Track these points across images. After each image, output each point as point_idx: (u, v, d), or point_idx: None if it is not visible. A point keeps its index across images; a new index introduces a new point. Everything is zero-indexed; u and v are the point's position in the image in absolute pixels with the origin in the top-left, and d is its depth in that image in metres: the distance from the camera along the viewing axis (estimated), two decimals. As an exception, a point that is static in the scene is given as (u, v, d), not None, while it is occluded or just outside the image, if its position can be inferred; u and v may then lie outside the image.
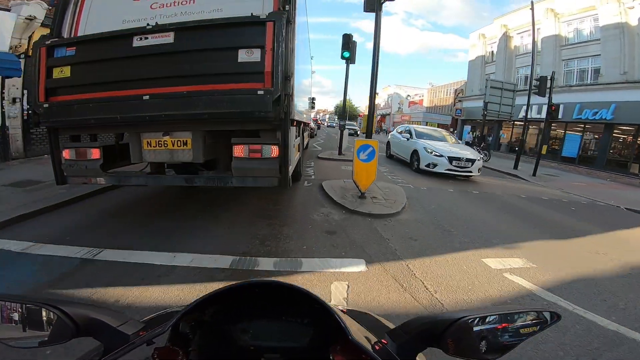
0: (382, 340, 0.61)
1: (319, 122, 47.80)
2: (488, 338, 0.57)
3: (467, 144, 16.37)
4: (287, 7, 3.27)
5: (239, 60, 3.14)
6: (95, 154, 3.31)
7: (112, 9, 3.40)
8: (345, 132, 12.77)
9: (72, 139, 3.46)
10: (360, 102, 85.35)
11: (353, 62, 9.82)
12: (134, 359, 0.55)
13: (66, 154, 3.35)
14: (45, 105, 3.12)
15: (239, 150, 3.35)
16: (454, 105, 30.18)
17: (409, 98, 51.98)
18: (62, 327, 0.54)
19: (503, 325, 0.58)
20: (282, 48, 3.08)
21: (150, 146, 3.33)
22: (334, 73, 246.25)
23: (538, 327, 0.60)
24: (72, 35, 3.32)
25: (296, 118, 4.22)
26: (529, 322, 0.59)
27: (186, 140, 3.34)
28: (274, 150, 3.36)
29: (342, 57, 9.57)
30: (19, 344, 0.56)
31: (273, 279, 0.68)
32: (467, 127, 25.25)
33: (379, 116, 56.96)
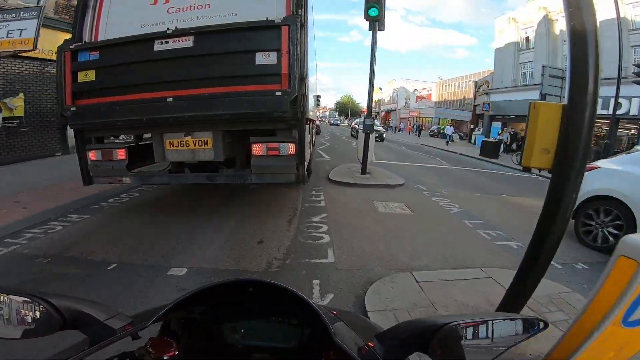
0: (369, 343, 0.62)
1: (319, 119, 45.17)
2: (475, 344, 0.57)
3: (496, 144, 15.07)
4: (299, 10, 3.43)
5: (256, 63, 3.30)
6: (121, 154, 3.44)
7: (130, 13, 3.50)
8: (372, 137, 7.73)
9: (98, 140, 3.58)
10: (362, 98, 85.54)
11: (382, 28, 6.72)
12: (122, 350, 0.56)
13: (92, 155, 3.47)
14: (73, 108, 3.23)
15: (257, 149, 3.52)
16: (475, 98, 26.63)
17: (416, 92, 48.49)
18: (49, 319, 0.53)
19: (490, 331, 0.58)
20: (297, 50, 3.25)
21: (173, 146, 3.47)
22: (333, 70, 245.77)
23: (525, 334, 0.60)
24: (93, 40, 3.42)
25: (310, 116, 4.41)
26: (516, 329, 0.60)
27: (207, 140, 3.50)
28: (291, 148, 3.55)
29: (367, 17, 6.58)
30: (2, 334, 0.54)
31: (262, 278, 0.69)
32: (496, 124, 22.27)
33: (384, 112, 54.50)
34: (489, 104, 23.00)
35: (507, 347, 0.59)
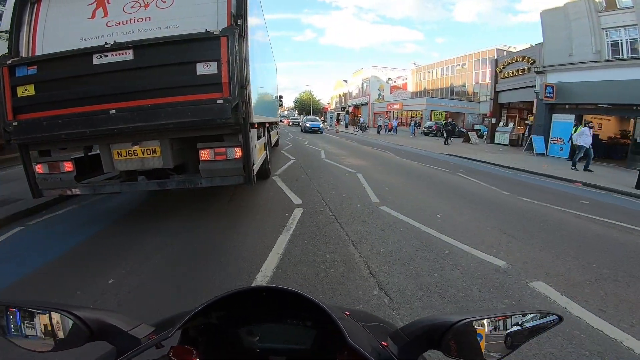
0: (383, 343, 0.62)
1: (284, 121, 36.71)
2: (489, 340, 0.57)
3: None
4: (239, 21, 3.65)
5: (197, 73, 3.50)
6: (68, 166, 3.53)
7: (67, 28, 3.55)
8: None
9: (43, 153, 3.63)
10: (322, 94, 77.89)
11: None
12: (148, 358, 0.58)
13: (39, 168, 3.53)
14: (15, 123, 3.29)
15: (205, 154, 3.74)
16: (495, 82, 19.67)
17: (390, 82, 41.87)
18: (77, 331, 0.56)
19: (505, 327, 0.58)
20: (237, 60, 3.48)
21: (121, 156, 3.61)
22: (289, 69, 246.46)
23: (540, 329, 0.60)
24: (31, 54, 3.46)
25: (256, 120, 4.65)
26: (531, 324, 0.59)
27: (155, 149, 3.66)
28: (237, 152, 3.80)
29: None
30: (34, 347, 0.57)
31: (277, 285, 0.73)
32: (562, 118, 14.52)
33: (351, 107, 47.94)
34: (552, 87, 14.48)
35: (521, 342, 0.59)
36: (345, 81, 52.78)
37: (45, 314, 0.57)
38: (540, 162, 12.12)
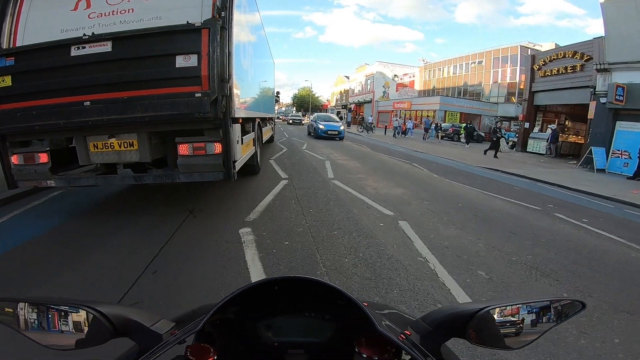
0: (406, 332, 0.62)
1: (281, 118, 34.93)
2: (512, 328, 0.57)
3: None
4: (223, 13, 3.53)
5: (177, 66, 3.40)
6: (43, 158, 3.51)
7: (49, 19, 3.54)
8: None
9: (20, 144, 3.63)
10: (321, 91, 76.31)
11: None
12: (167, 357, 0.56)
13: (15, 159, 3.53)
14: None
15: (183, 149, 3.64)
16: (532, 81, 16.83)
17: (396, 79, 38.56)
18: (100, 328, 0.55)
19: (527, 315, 0.58)
20: (217, 53, 3.37)
21: (97, 148, 3.56)
22: (288, 66, 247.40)
23: (562, 316, 0.59)
24: (12, 46, 3.46)
25: (242, 115, 4.52)
26: (553, 311, 0.58)
27: (132, 142, 3.59)
28: (217, 147, 3.67)
29: None
30: (58, 346, 0.56)
31: (297, 274, 0.68)
32: (631, 126, 11.78)
33: (353, 104, 44.49)
34: (623, 89, 11.63)
35: (542, 330, 0.58)
36: (347, 77, 49.83)
37: (73, 311, 0.56)
38: (620, 184, 9.42)
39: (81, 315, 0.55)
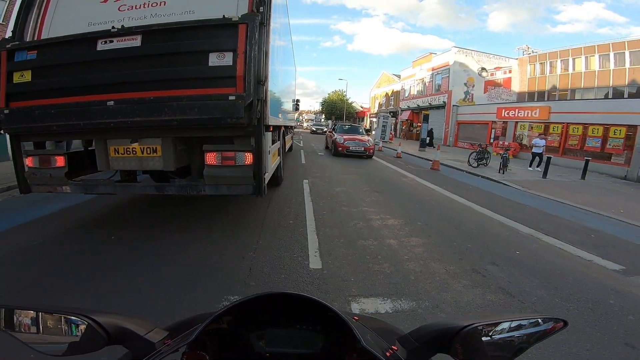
0: (393, 347, 0.63)
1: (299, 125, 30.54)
2: (496, 344, 0.58)
3: None
4: (261, 8, 3.17)
5: (209, 64, 3.03)
6: (59, 161, 3.18)
7: (77, 11, 3.27)
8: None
9: (36, 145, 3.33)
10: (354, 97, 66.00)
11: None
12: None
13: (29, 161, 3.23)
14: (6, 111, 3.00)
15: (211, 158, 3.24)
16: None
17: (484, 75, 24.11)
18: (94, 335, 0.55)
19: (511, 331, 0.59)
20: (255, 51, 2.99)
21: (118, 153, 3.20)
22: (316, 74, 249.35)
23: (546, 333, 0.62)
24: (35, 39, 3.19)
25: (272, 123, 4.11)
26: (537, 328, 0.60)
27: (156, 147, 3.22)
28: (248, 158, 3.26)
29: None
30: (52, 351, 0.55)
31: (288, 291, 0.68)
32: None
33: (406, 110, 31.11)
34: None
35: (527, 346, 0.60)
36: (398, 76, 35.14)
37: (68, 318, 0.56)
38: None
39: (76, 323, 0.56)
